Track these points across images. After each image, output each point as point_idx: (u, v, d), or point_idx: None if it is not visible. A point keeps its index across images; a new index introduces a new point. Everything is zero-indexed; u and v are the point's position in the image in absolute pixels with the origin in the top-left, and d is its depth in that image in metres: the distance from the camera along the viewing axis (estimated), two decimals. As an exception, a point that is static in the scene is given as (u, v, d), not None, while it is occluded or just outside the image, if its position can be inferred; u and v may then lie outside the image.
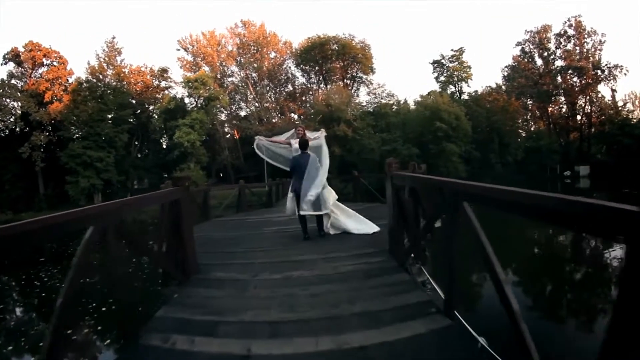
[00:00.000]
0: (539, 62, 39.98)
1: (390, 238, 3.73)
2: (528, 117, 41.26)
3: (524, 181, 27.83)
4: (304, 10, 63.60)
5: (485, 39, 69.71)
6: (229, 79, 35.33)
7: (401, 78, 68.77)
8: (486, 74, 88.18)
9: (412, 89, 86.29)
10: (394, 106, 32.85)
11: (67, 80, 32.08)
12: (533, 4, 61.57)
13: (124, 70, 32.74)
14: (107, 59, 32.57)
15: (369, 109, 32.52)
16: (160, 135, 31.84)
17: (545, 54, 39.36)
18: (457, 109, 29.96)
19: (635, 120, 34.98)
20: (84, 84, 29.78)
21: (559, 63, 38.98)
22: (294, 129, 5.54)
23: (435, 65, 38.40)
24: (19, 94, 28.81)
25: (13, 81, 29.70)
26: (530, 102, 40.24)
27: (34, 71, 31.12)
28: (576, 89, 38.27)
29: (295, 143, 5.20)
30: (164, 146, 32.79)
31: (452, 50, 37.38)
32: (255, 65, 33.48)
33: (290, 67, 35.93)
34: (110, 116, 29.54)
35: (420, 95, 33.83)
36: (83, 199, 26.20)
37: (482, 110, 33.46)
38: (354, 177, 10.90)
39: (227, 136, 34.14)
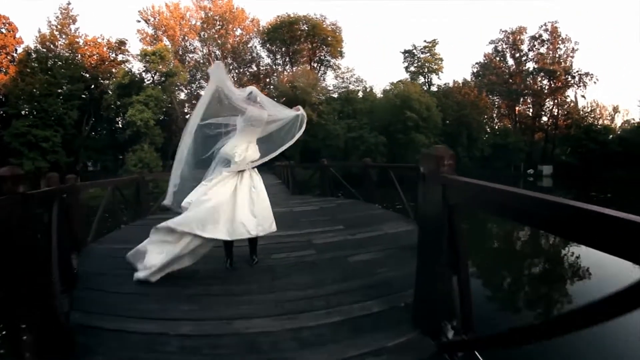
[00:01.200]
0: (511, 61, 40.53)
1: (421, 294, 1.82)
2: (494, 114, 41.65)
3: (492, 177, 27.64)
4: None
5: (454, 36, 70.67)
6: (191, 55, 33.43)
7: (370, 65, 67.98)
8: (454, 70, 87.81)
9: (380, 77, 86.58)
10: (360, 92, 32.07)
11: (15, 49, 29.24)
12: (507, 6, 63.02)
13: (78, 40, 30.09)
14: (59, 27, 29.89)
15: (336, 93, 31.58)
16: (116, 114, 29.60)
17: (518, 54, 39.90)
18: (429, 99, 29.46)
19: (600, 127, 35.73)
20: (33, 54, 27.08)
21: (531, 65, 39.70)
22: (250, 91, 2.98)
23: (406, 54, 37.93)
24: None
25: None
26: (498, 99, 40.68)
27: (-22, 39, 28.28)
28: (545, 91, 38.95)
29: (256, 111, 2.84)
30: (120, 125, 30.55)
31: (424, 41, 37.13)
32: (220, 41, 31.68)
33: (256, 47, 34.52)
34: (60, 91, 26.99)
35: (390, 82, 33.12)
36: (28, 184, 23.94)
37: (452, 103, 33.20)
38: (323, 167, 8.61)
39: (187, 116, 32.25)
